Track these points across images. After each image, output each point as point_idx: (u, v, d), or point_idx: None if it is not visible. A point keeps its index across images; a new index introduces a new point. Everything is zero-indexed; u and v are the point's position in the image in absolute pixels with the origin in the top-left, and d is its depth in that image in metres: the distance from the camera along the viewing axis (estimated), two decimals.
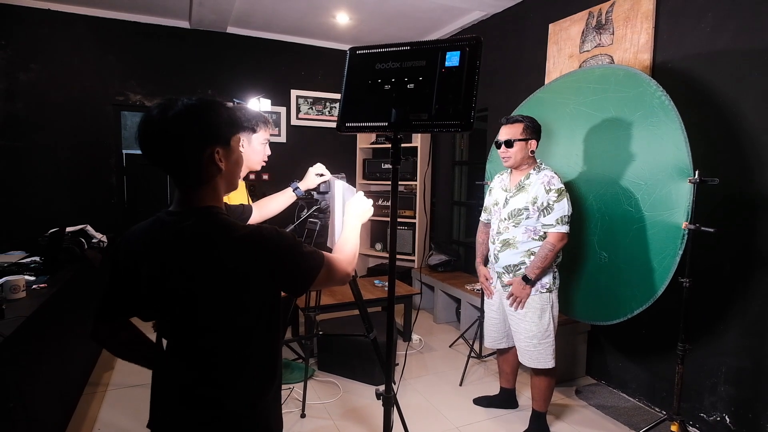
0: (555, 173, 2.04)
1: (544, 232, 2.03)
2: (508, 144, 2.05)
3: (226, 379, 0.87)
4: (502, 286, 2.17)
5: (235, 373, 0.88)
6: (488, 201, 2.30)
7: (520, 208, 2.05)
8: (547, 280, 2.05)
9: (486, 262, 2.33)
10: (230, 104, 1.64)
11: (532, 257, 2.05)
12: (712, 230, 1.77)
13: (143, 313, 0.95)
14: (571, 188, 2.05)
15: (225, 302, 0.85)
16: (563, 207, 1.99)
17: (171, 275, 0.85)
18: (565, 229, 1.99)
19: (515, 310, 2.08)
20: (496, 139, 2.12)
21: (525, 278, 2.02)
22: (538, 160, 2.12)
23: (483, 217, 2.38)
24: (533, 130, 2.06)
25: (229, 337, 0.87)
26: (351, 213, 1.17)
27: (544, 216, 2.01)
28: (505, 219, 2.11)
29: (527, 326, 2.06)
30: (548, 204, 1.99)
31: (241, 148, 0.97)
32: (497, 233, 2.15)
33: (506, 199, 2.13)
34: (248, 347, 0.89)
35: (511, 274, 2.11)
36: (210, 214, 0.87)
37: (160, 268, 0.86)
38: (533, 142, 2.06)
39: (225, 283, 0.84)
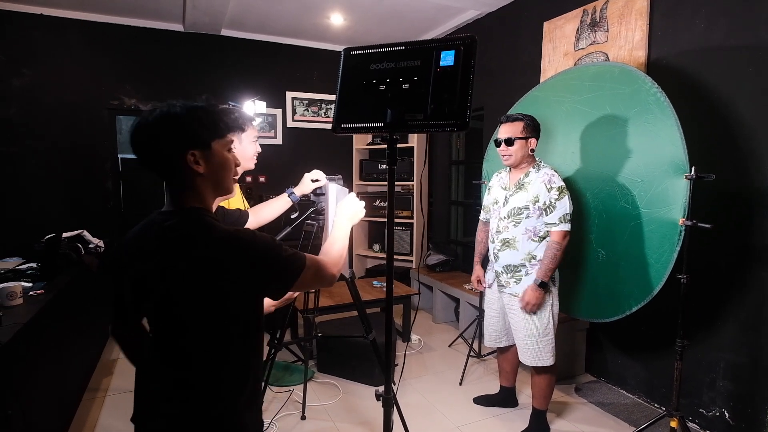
0: (555, 171, 2.04)
1: (545, 232, 2.03)
2: (509, 142, 2.04)
3: (199, 380, 0.88)
4: (498, 285, 2.17)
5: (210, 375, 0.89)
6: (487, 200, 2.30)
7: (520, 207, 2.05)
8: None
9: (485, 261, 2.33)
10: (224, 107, 1.64)
11: (533, 260, 2.05)
12: (708, 226, 1.77)
13: (131, 315, 0.99)
14: (568, 186, 2.06)
15: (202, 302, 0.85)
16: (565, 205, 1.99)
17: (151, 274, 0.87)
18: (567, 227, 1.99)
19: (528, 314, 2.05)
20: (495, 138, 2.12)
21: (542, 284, 1.99)
22: (537, 159, 2.12)
23: (482, 215, 2.39)
24: (533, 128, 2.06)
25: (206, 338, 0.88)
26: (341, 214, 1.17)
27: (546, 215, 2.01)
28: (505, 218, 2.11)
29: (527, 324, 2.06)
30: (550, 203, 1.99)
31: (234, 149, 0.97)
32: (497, 232, 2.15)
33: (506, 197, 2.12)
34: (224, 348, 0.89)
35: (510, 275, 2.10)
36: (193, 214, 0.89)
37: (144, 267, 0.88)
38: (533, 141, 2.06)
39: (202, 283, 0.84)
